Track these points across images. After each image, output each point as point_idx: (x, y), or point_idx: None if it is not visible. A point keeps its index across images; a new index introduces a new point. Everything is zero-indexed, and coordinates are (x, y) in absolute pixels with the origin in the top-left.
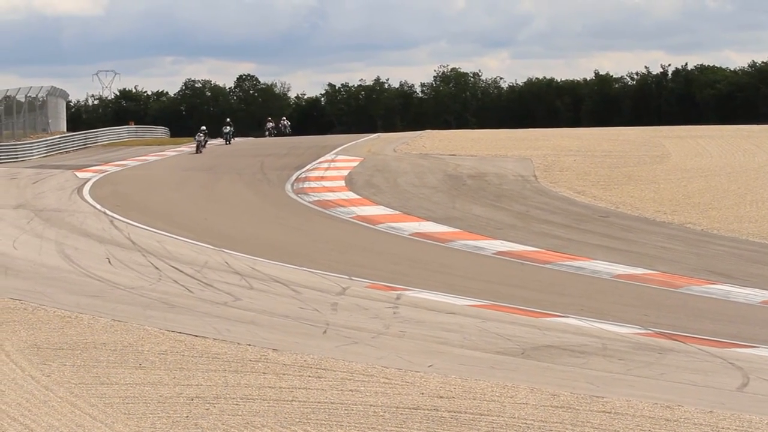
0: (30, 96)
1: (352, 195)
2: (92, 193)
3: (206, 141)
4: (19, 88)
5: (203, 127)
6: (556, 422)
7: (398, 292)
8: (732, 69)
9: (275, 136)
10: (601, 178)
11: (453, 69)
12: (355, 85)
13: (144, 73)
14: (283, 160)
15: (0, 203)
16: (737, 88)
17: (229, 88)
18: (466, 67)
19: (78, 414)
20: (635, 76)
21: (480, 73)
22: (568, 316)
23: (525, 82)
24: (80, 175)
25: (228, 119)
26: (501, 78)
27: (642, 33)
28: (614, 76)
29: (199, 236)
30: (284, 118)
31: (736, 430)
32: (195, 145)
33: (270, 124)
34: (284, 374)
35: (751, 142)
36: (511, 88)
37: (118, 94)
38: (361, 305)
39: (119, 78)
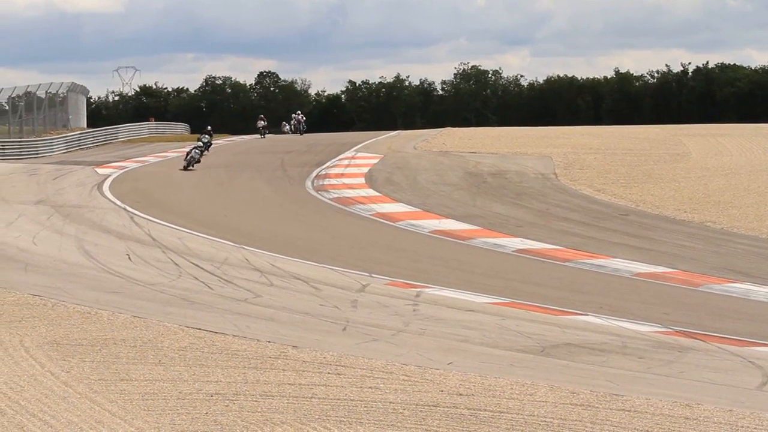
0: (50, 92)
1: (372, 192)
2: (112, 189)
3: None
4: (40, 85)
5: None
6: (576, 420)
7: (418, 289)
8: (753, 67)
9: (272, 134)
10: (622, 176)
11: (473, 66)
12: (376, 83)
13: (164, 69)
14: (303, 157)
15: (20, 199)
16: (758, 86)
17: (250, 84)
18: (487, 64)
19: (97, 410)
20: (656, 75)
21: (500, 71)
22: (587, 314)
23: (545, 80)
24: (100, 171)
25: (261, 115)
26: (521, 76)
27: (663, 31)
28: (635, 74)
29: (219, 233)
30: (299, 112)
31: (755, 428)
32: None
33: (261, 123)
34: (304, 371)
35: None
36: (532, 85)
37: (138, 90)
38: (381, 302)
39: (139, 74)
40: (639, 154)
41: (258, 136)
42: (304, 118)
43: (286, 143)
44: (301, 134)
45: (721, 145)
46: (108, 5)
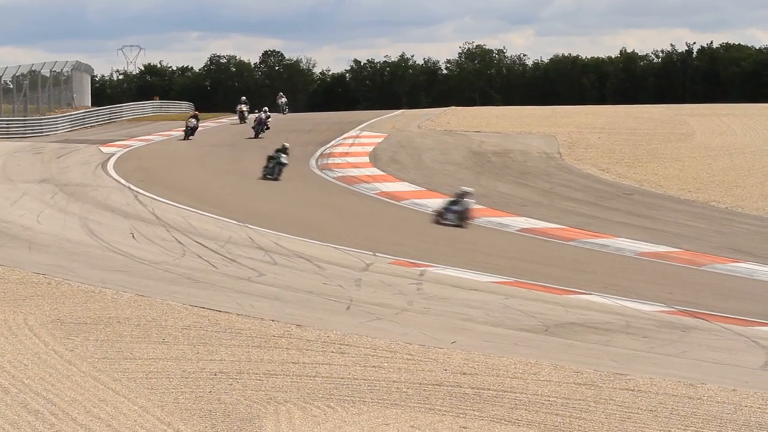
0: (55, 71)
1: (376, 171)
2: (116, 167)
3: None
4: (44, 63)
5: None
6: (579, 399)
7: (422, 268)
8: (757, 47)
9: (255, 126)
10: (626, 156)
11: (478, 46)
12: (380, 62)
13: (169, 48)
14: (307, 136)
15: (25, 178)
16: (762, 66)
17: (255, 63)
18: (491, 43)
19: (101, 388)
20: (660, 54)
21: (505, 50)
22: (591, 294)
23: (550, 60)
24: (105, 149)
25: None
26: (525, 55)
27: (667, 10)
28: (639, 54)
29: (223, 211)
30: (281, 93)
31: (759, 408)
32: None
33: (242, 107)
34: (307, 350)
35: None
36: (536, 65)
37: (142, 69)
38: (385, 281)
39: (144, 53)
40: (643, 134)
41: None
42: (286, 100)
43: (290, 123)
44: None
45: (725, 125)
46: None
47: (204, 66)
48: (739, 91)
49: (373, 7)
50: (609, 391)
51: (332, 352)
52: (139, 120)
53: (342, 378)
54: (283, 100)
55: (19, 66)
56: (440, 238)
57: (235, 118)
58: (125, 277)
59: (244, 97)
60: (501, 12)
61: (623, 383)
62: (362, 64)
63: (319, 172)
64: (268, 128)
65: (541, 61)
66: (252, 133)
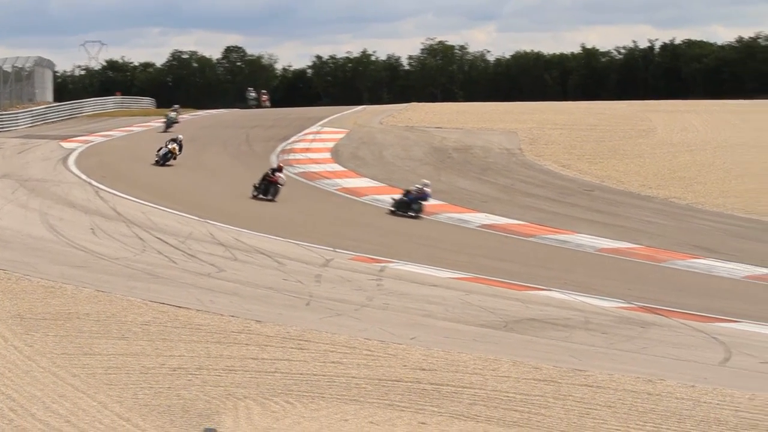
0: (16, 66)
1: (337, 167)
2: (78, 163)
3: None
4: (6, 59)
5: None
6: (539, 395)
7: (382, 264)
8: (719, 44)
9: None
10: (587, 152)
11: (439, 42)
12: (342, 58)
13: (131, 43)
14: (268, 131)
15: None
16: (724, 63)
17: (217, 59)
18: (453, 39)
19: (60, 384)
20: (622, 51)
21: (467, 46)
22: (551, 290)
23: (512, 56)
24: (66, 145)
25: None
26: (488, 51)
27: (629, 7)
28: (601, 50)
29: (184, 207)
30: (250, 88)
31: (717, 404)
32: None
33: (172, 115)
34: (267, 346)
35: (737, 118)
36: (498, 61)
37: (105, 64)
38: (345, 277)
39: (106, 48)
40: (604, 130)
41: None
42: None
43: (252, 118)
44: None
45: (686, 121)
46: None
47: (166, 62)
48: (700, 88)
49: (336, 3)
50: (568, 387)
51: (291, 348)
52: (101, 116)
53: (301, 374)
54: (252, 95)
55: None
56: (401, 234)
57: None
58: (85, 272)
59: (177, 105)
60: (463, 8)
61: (582, 379)
62: (324, 60)
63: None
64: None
65: (503, 57)
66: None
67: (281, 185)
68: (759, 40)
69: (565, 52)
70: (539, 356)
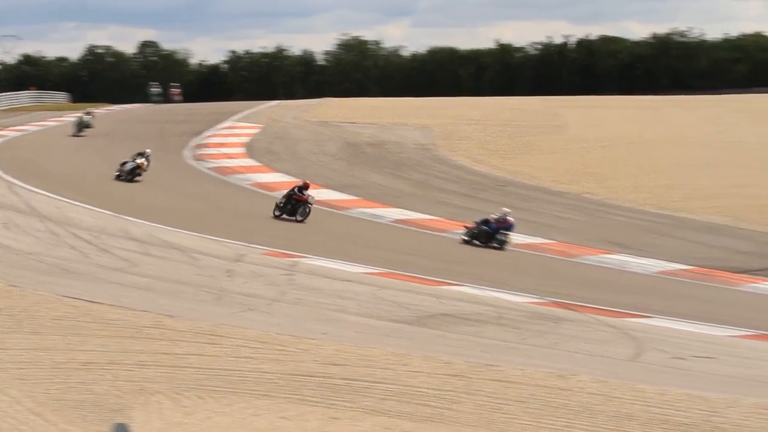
0: None
1: (251, 162)
2: None
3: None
4: None
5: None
6: (450, 390)
7: (295, 259)
8: (633, 40)
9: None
10: (501, 148)
11: (354, 37)
12: (257, 53)
13: (47, 38)
14: (182, 126)
15: None
16: (638, 58)
17: (131, 54)
18: (368, 35)
19: None
20: (538, 46)
21: (381, 42)
22: (464, 285)
23: (427, 51)
24: None
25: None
26: (403, 46)
27: (544, 3)
28: (516, 46)
29: (98, 202)
30: (153, 83)
31: (629, 399)
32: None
33: (86, 118)
34: (179, 341)
35: (650, 113)
36: (413, 56)
37: (20, 58)
38: (258, 272)
39: (22, 43)
40: (518, 126)
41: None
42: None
43: (166, 113)
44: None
45: (600, 117)
46: None
47: (81, 56)
48: (615, 84)
49: None
50: (479, 382)
51: (203, 342)
52: (15, 110)
53: (213, 369)
54: (156, 89)
55: None
56: (314, 229)
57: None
58: None
59: (91, 108)
60: (377, 4)
61: (494, 374)
62: (239, 55)
63: (193, 163)
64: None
65: (418, 52)
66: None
67: (312, 204)
68: (673, 36)
69: (480, 48)
70: (451, 351)
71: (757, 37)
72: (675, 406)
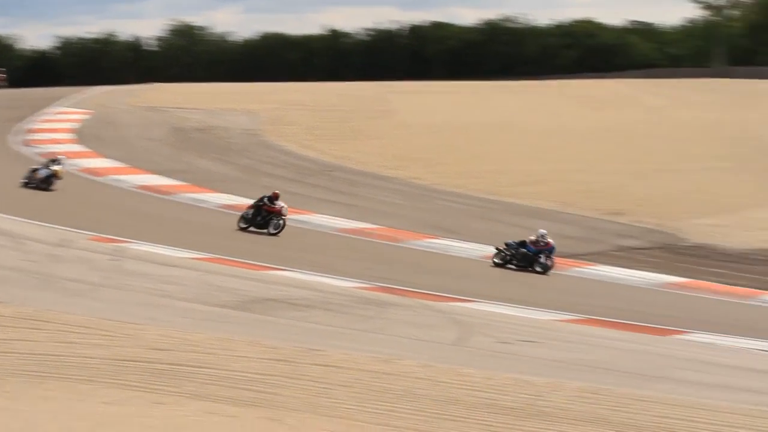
0: None
1: (79, 147)
2: None
3: None
4: None
5: None
6: (275, 375)
7: (121, 244)
8: (462, 26)
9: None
10: (328, 133)
11: (184, 22)
12: (87, 38)
13: None
14: (8, 112)
15: None
16: (466, 44)
17: None
18: (198, 20)
19: None
20: (369, 32)
21: (211, 27)
22: (291, 270)
23: (257, 37)
24: None
25: None
26: (233, 32)
27: None
28: (346, 32)
29: None
30: None
31: (454, 384)
32: None
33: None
34: (2, 326)
35: (479, 99)
36: (243, 42)
37: None
38: (83, 257)
39: None
40: (346, 111)
41: None
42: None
43: None
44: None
45: (429, 103)
46: None
47: None
48: (444, 69)
49: None
50: (305, 366)
51: (26, 328)
52: None
53: (36, 354)
54: None
55: None
56: (140, 214)
57: None
58: None
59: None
60: None
61: (319, 359)
62: (68, 40)
63: (20, 148)
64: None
65: (248, 38)
66: None
67: (285, 216)
68: (502, 23)
69: (310, 33)
70: (277, 336)
71: (587, 23)
72: (500, 390)
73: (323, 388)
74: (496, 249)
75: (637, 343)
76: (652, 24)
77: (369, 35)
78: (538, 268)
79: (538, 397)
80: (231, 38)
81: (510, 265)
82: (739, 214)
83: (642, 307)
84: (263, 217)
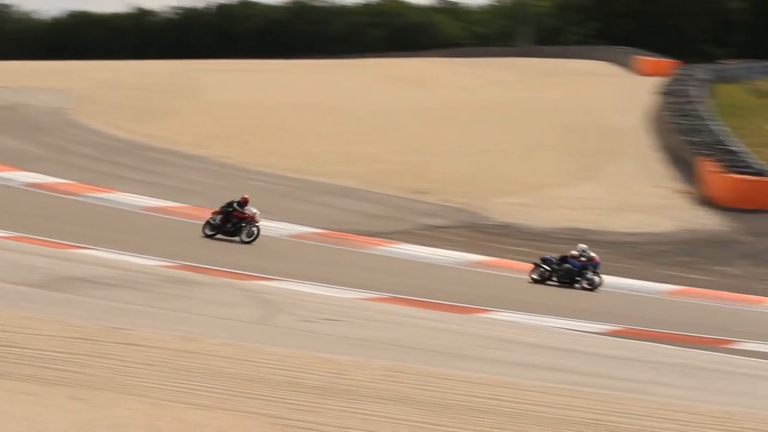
0: None
1: None
2: None
3: None
4: None
5: None
6: (77, 353)
7: None
8: (269, 4)
9: None
10: (136, 112)
11: None
12: None
13: None
14: None
15: None
16: (273, 23)
17: None
18: None
19: None
20: (174, 10)
21: (18, 6)
22: (96, 248)
23: (64, 15)
24: None
25: None
26: (37, 10)
27: None
28: (154, 10)
29: None
30: None
31: (257, 362)
32: None
33: None
34: None
35: (287, 78)
36: (50, 19)
37: None
38: None
39: None
40: (154, 90)
41: None
42: None
43: None
44: None
45: (235, 82)
46: None
47: None
48: (251, 48)
49: None
50: (109, 345)
51: None
52: None
53: None
54: None
55: None
56: None
57: None
58: None
59: None
60: None
61: (122, 337)
62: None
63: None
64: None
65: (54, 16)
66: None
67: (258, 223)
68: (308, 1)
69: (117, 11)
70: (80, 315)
71: (394, 3)
72: (304, 369)
73: (127, 366)
74: (534, 264)
75: (441, 321)
76: (459, 3)
77: (177, 14)
78: (585, 284)
79: (342, 376)
80: (38, 16)
81: (550, 282)
82: (543, 193)
83: (446, 286)
84: (234, 224)
